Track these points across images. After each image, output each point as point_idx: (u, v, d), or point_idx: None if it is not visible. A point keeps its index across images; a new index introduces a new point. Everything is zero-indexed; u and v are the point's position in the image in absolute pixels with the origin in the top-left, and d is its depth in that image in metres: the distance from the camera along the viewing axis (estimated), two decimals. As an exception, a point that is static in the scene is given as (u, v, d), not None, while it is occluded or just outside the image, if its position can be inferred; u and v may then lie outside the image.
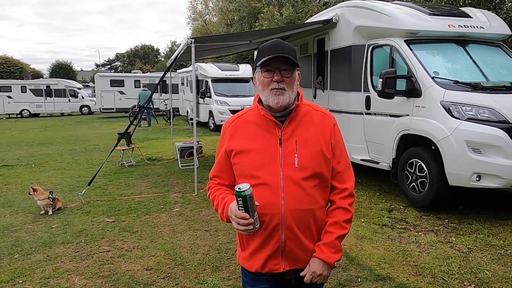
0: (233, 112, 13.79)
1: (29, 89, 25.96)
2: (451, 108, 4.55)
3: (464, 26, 5.44)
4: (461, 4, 8.83)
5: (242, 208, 1.43)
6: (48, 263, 3.65)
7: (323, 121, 1.61)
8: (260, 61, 1.52)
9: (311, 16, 10.67)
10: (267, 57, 1.49)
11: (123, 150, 8.26)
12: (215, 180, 1.72)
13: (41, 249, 3.97)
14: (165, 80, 16.41)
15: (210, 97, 14.67)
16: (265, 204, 1.49)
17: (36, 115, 26.48)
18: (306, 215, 1.54)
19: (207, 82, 14.99)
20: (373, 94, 5.73)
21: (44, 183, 6.53)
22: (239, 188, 1.40)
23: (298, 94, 1.61)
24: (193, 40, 6.02)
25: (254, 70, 1.60)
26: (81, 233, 4.40)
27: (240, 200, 1.41)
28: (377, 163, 5.71)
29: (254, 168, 1.54)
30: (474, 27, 5.48)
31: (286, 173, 1.51)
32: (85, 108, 27.53)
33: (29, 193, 5.20)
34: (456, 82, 4.87)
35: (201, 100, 15.43)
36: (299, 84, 1.61)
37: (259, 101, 1.62)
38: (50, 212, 5.10)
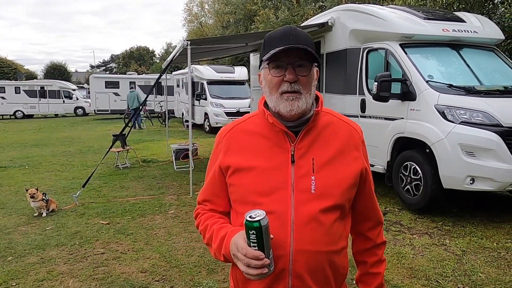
0: (228, 114, 13.81)
1: (23, 90, 25.77)
2: (445, 111, 4.59)
3: (458, 30, 5.50)
4: (455, 8, 8.91)
5: (255, 244, 1.04)
6: (42, 265, 3.63)
7: (351, 136, 1.25)
8: (268, 55, 1.14)
9: (307, 19, 10.73)
10: (277, 49, 1.12)
11: (118, 152, 8.22)
12: (206, 206, 1.32)
13: (34, 252, 3.94)
14: (161, 82, 16.39)
15: (205, 99, 14.66)
16: None
17: (30, 116, 26.28)
18: (322, 260, 1.16)
19: (202, 84, 14.99)
20: (368, 97, 5.76)
21: (38, 185, 6.47)
22: (250, 217, 1.04)
23: (317, 98, 1.25)
24: (189, 42, 6.03)
25: (259, 64, 1.23)
26: (75, 235, 4.37)
27: (252, 234, 1.03)
28: (372, 165, 5.74)
29: (257, 192, 1.16)
30: (468, 31, 5.53)
31: (299, 201, 1.14)
32: (80, 110, 27.37)
33: (32, 195, 5.02)
34: (450, 85, 4.92)
35: (196, 102, 15.42)
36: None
37: (266, 104, 1.24)
38: (44, 214, 5.07)
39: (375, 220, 1.36)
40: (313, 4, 20.25)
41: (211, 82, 14.91)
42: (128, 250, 3.95)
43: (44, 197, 5.08)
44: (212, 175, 1.29)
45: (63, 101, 26.76)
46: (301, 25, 7.78)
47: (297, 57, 1.13)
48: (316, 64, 1.19)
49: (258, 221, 1.02)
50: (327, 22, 6.50)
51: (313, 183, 1.15)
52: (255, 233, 1.03)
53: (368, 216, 1.35)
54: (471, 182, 4.37)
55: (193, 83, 15.31)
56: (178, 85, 19.28)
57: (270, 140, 1.21)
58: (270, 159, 1.18)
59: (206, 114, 14.74)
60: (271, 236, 1.07)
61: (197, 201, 1.39)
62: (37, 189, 5.09)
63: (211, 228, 1.23)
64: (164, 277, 3.38)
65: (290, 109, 1.15)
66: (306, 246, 1.13)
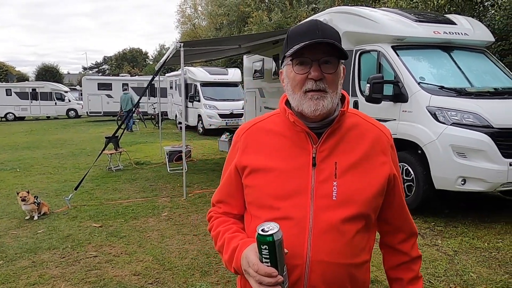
0: (222, 116, 13.81)
1: (14, 92, 25.50)
2: (436, 113, 4.63)
3: (449, 32, 5.56)
4: (446, 11, 9.01)
5: (268, 260, 0.96)
6: (34, 269, 3.59)
7: (379, 140, 1.16)
8: (292, 50, 1.06)
9: (300, 21, 10.77)
10: (302, 44, 1.03)
11: (110, 154, 8.17)
12: (220, 208, 1.26)
13: (26, 255, 3.90)
14: (154, 84, 16.33)
15: (199, 101, 14.65)
16: None
17: (22, 118, 26.00)
18: (341, 273, 1.07)
19: (196, 86, 14.98)
20: (361, 99, 5.80)
21: (29, 188, 6.40)
22: (263, 230, 0.95)
23: (342, 97, 1.17)
24: (182, 44, 6.02)
25: (282, 61, 1.15)
26: (67, 239, 4.34)
27: (265, 249, 0.95)
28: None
29: (274, 196, 1.09)
30: (458, 33, 5.60)
31: (318, 207, 1.06)
32: (72, 112, 27.14)
33: (23, 198, 4.95)
34: (442, 87, 4.97)
35: (190, 104, 15.40)
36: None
37: (287, 103, 1.17)
38: (36, 217, 5.02)
39: (408, 232, 1.24)
40: (306, 6, 20.35)
41: (205, 84, 14.90)
42: (121, 253, 3.93)
43: (35, 200, 5.04)
44: (228, 175, 1.22)
45: (55, 103, 26.52)
46: (294, 27, 7.80)
47: (323, 52, 1.05)
48: (343, 61, 1.11)
49: (271, 235, 0.94)
50: (320, 24, 6.52)
51: (334, 188, 1.07)
52: (267, 248, 0.95)
53: (399, 228, 1.23)
54: (463, 182, 4.41)
55: (186, 85, 15.28)
56: (171, 87, 19.24)
57: (290, 140, 1.13)
58: (289, 160, 1.11)
59: (199, 116, 14.72)
60: (286, 250, 0.99)
61: (211, 202, 1.32)
62: (28, 192, 5.04)
63: (223, 236, 1.16)
64: (157, 279, 3.36)
65: (314, 109, 1.07)
66: (324, 257, 1.05)
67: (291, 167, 1.10)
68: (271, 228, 0.95)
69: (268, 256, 0.96)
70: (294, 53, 1.06)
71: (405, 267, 1.24)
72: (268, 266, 0.96)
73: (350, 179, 1.08)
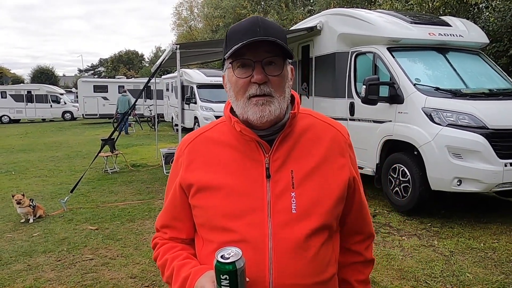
0: (218, 118, 13.72)
1: (9, 95, 25.38)
2: (432, 114, 4.65)
3: (444, 34, 5.60)
4: (441, 13, 9.07)
5: None
6: (29, 272, 3.56)
7: (336, 140, 1.07)
8: (230, 51, 0.94)
9: (296, 23, 10.80)
10: (241, 43, 0.92)
11: (106, 156, 8.14)
12: (165, 233, 1.12)
13: (21, 258, 3.87)
14: (150, 86, 16.30)
15: (195, 103, 14.62)
16: None
17: (17, 121, 25.87)
18: None
19: (192, 88, 14.96)
20: (357, 101, 5.82)
21: (25, 191, 6.36)
22: (222, 257, 0.84)
23: (292, 98, 1.06)
24: (178, 46, 6.03)
25: (222, 65, 1.04)
26: (63, 241, 4.31)
27: (225, 279, 0.83)
28: (361, 168, 5.79)
29: (226, 215, 0.97)
30: (453, 35, 5.63)
31: (277, 224, 0.96)
32: (68, 114, 27.03)
33: (18, 201, 4.93)
34: (437, 88, 4.99)
35: (186, 106, 15.37)
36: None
37: (232, 110, 1.05)
38: (31, 220, 4.98)
39: (366, 233, 1.18)
40: (302, 8, 20.42)
41: (201, 86, 14.88)
42: (117, 256, 3.91)
43: (31, 203, 5.00)
44: (172, 195, 1.09)
45: (51, 106, 26.40)
46: (290, 29, 7.83)
47: (266, 52, 0.94)
48: (289, 60, 1.01)
49: (233, 262, 0.82)
50: (316, 26, 6.56)
51: (293, 200, 0.97)
52: (228, 278, 0.83)
53: (357, 230, 1.17)
54: (458, 183, 4.43)
55: (182, 87, 15.27)
56: (167, 89, 19.21)
57: (240, 151, 1.01)
58: (241, 174, 0.99)
59: (196, 118, 14.69)
60: (247, 279, 0.87)
61: (155, 227, 1.16)
62: (23, 195, 5.01)
63: (171, 264, 1.03)
64: (154, 282, 3.35)
65: (260, 116, 0.96)
66: (289, 280, 0.94)
67: (243, 182, 0.98)
68: (232, 254, 0.84)
69: (228, 287, 0.83)
70: (233, 54, 0.94)
71: (356, 268, 1.17)
72: None
73: (309, 187, 0.99)
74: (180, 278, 0.98)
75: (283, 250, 0.95)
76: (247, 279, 0.88)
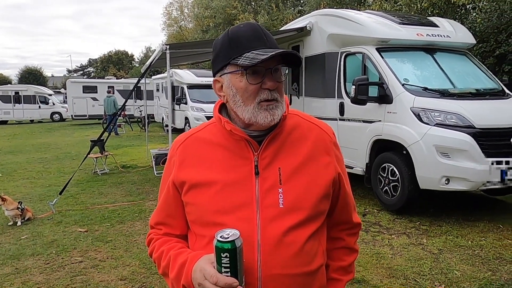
0: (209, 118, 13.58)
1: (-3, 96, 25.02)
2: (420, 114, 4.71)
3: (432, 35, 5.67)
4: (429, 14, 9.17)
5: (228, 270, 0.89)
6: (17, 276, 3.52)
7: (321, 139, 1.13)
8: (253, 61, 0.98)
9: (286, 23, 10.83)
10: (270, 54, 0.96)
11: (96, 157, 8.07)
12: (160, 229, 1.17)
13: (9, 262, 3.82)
14: (140, 86, 16.19)
15: (186, 103, 14.57)
16: None
17: (4, 122, 25.47)
18: (296, 284, 1.03)
19: (182, 88, 14.90)
20: (347, 101, 5.85)
21: (13, 193, 6.28)
22: (222, 237, 0.89)
23: None
24: (168, 47, 6.00)
25: (221, 68, 1.06)
26: (52, 244, 4.26)
27: (225, 257, 0.89)
28: (351, 168, 5.83)
29: (218, 211, 1.03)
30: (441, 36, 5.71)
31: (265, 218, 1.02)
32: (56, 115, 26.70)
33: None
34: (425, 88, 5.05)
35: (176, 107, 15.31)
36: None
37: (221, 110, 1.12)
38: (19, 223, 4.92)
39: (352, 223, 1.23)
40: (292, 8, 20.50)
41: (191, 86, 14.83)
42: (107, 258, 3.88)
43: (19, 206, 4.93)
44: (165, 193, 1.14)
45: (39, 107, 26.05)
46: (281, 29, 7.85)
47: (276, 61, 1.02)
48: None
49: (232, 241, 0.88)
50: (306, 26, 6.58)
51: (281, 196, 1.03)
52: (228, 256, 0.88)
53: (342, 221, 1.23)
54: (447, 182, 4.49)
55: (173, 87, 15.20)
56: (157, 90, 19.11)
57: (230, 150, 1.07)
58: (231, 172, 1.05)
59: (186, 118, 14.64)
60: (243, 260, 0.92)
61: (149, 224, 1.21)
62: (3, 200, 4.87)
63: (167, 254, 1.08)
64: (144, 284, 3.33)
65: (271, 119, 1.02)
66: (277, 270, 1.00)
67: (233, 179, 1.04)
68: (232, 234, 0.89)
69: (228, 265, 0.89)
70: (254, 63, 0.98)
71: (336, 254, 1.21)
72: (227, 276, 0.89)
73: (296, 183, 1.05)
74: (177, 264, 1.03)
75: (270, 242, 1.00)
76: (244, 260, 0.93)
